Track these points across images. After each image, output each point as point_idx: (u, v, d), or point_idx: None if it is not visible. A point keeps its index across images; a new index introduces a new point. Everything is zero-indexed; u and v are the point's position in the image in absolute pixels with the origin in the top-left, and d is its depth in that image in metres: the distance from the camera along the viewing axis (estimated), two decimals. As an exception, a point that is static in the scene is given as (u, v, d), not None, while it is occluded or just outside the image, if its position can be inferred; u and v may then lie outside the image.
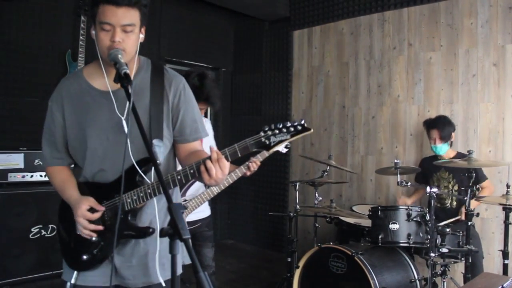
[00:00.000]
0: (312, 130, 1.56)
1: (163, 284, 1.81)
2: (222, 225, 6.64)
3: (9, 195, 4.05)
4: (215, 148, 1.60)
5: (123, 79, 1.56)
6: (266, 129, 1.54)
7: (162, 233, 1.23)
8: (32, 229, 4.13)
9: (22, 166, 4.11)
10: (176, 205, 1.26)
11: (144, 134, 1.48)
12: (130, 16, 1.67)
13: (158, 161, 1.74)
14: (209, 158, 1.58)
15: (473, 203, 3.54)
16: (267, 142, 1.53)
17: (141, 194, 1.72)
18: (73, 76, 1.88)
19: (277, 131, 1.53)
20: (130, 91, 1.54)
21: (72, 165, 1.97)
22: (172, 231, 1.22)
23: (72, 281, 1.82)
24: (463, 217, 3.68)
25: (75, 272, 1.83)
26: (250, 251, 6.09)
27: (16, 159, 4.12)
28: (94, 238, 1.78)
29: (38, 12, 4.69)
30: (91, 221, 1.75)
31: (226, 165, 1.57)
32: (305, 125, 1.52)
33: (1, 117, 4.41)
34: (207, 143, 2.99)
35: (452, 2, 4.50)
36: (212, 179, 1.57)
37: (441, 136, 3.95)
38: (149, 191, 1.71)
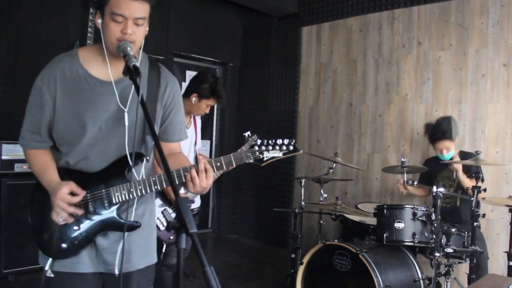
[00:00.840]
0: (302, 151, 1.76)
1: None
2: (226, 220, 6.64)
3: (15, 186, 4.08)
4: (197, 149, 1.64)
5: (132, 71, 1.55)
6: (259, 143, 1.67)
7: (169, 227, 1.23)
8: (38, 220, 4.15)
9: (29, 156, 4.13)
10: (183, 198, 1.25)
11: (152, 126, 1.49)
12: (143, 9, 1.67)
13: (148, 158, 1.78)
14: (195, 167, 1.64)
15: (467, 182, 3.63)
16: (261, 157, 1.67)
17: (132, 190, 1.72)
18: (67, 59, 1.79)
19: (270, 148, 1.67)
20: (139, 83, 1.53)
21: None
22: (179, 225, 1.21)
23: (47, 267, 1.78)
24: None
25: (50, 259, 1.79)
26: (254, 247, 6.10)
27: (22, 150, 4.13)
28: (75, 227, 1.75)
29: (47, 3, 4.69)
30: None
31: (212, 175, 1.66)
32: (296, 146, 1.69)
33: (8, 108, 4.42)
34: (189, 142, 3.19)
35: (463, 1, 4.46)
36: (196, 188, 1.64)
37: (449, 144, 3.87)
38: (140, 187, 1.71)
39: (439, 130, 3.92)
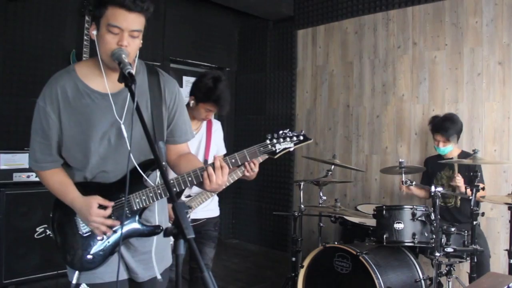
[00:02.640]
0: (312, 140, 1.80)
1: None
2: (227, 224, 6.64)
3: (14, 195, 4.07)
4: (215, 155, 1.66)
5: (127, 78, 1.55)
6: (270, 136, 1.71)
7: (167, 233, 1.23)
8: (37, 229, 4.15)
9: (27, 166, 4.11)
10: (180, 204, 1.26)
11: (148, 134, 1.49)
12: (139, 22, 1.68)
13: (163, 163, 1.79)
14: (211, 165, 1.68)
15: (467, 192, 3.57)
16: (274, 149, 1.72)
17: (151, 195, 1.75)
18: (66, 75, 1.79)
19: (281, 139, 1.71)
20: (134, 90, 1.53)
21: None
22: (177, 231, 1.21)
23: (74, 280, 1.79)
24: (462, 190, 3.70)
25: (76, 272, 1.81)
26: (254, 251, 6.09)
27: (21, 159, 4.14)
28: (99, 238, 1.78)
29: (43, 12, 4.70)
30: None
31: (227, 172, 1.70)
32: (306, 135, 1.74)
33: (5, 117, 4.42)
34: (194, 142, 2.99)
35: (456, 0, 4.48)
36: (212, 185, 1.68)
37: (445, 140, 3.91)
38: (159, 191, 1.74)
39: (440, 124, 3.94)
